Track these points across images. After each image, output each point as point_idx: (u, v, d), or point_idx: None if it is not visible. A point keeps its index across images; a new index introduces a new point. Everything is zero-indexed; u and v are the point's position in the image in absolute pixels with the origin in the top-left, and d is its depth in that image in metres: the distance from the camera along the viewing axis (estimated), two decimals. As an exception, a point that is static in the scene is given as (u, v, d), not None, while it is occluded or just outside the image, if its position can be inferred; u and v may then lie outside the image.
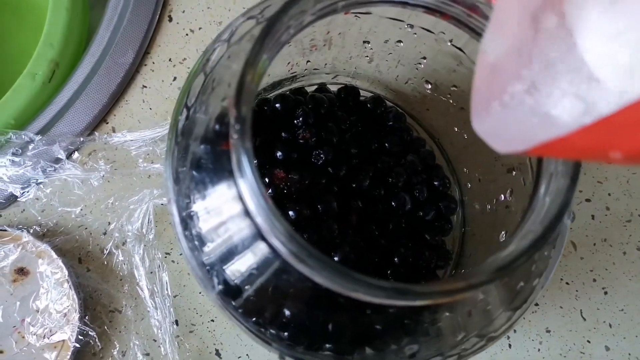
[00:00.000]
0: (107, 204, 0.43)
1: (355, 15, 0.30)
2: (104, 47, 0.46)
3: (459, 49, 0.30)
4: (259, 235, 0.22)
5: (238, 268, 0.24)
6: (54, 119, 0.45)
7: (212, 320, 0.44)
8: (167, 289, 0.43)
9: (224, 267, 0.25)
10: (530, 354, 0.45)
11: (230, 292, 0.25)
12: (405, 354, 0.25)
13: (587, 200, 0.48)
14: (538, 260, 0.27)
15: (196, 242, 0.25)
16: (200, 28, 0.48)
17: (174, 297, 0.44)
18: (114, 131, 0.45)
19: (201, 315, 0.44)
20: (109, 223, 0.44)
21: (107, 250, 0.43)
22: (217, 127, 0.26)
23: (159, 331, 0.42)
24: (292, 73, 0.38)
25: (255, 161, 0.21)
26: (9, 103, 0.46)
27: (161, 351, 0.42)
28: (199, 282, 0.26)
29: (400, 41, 0.33)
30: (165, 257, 0.44)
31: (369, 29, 0.32)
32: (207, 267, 0.25)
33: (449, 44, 0.30)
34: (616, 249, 0.47)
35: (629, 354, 0.45)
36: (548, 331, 0.45)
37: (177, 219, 0.26)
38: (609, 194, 0.49)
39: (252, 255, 0.24)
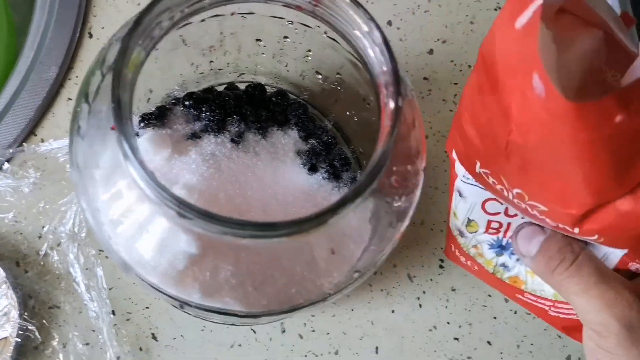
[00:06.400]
0: (38, 208, 0.44)
1: (242, 16, 0.33)
2: (29, 65, 0.47)
3: (333, 39, 0.33)
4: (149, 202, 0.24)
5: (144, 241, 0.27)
6: (-17, 136, 0.46)
7: (147, 307, 0.45)
8: (102, 283, 0.44)
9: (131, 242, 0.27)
10: (438, 311, 0.48)
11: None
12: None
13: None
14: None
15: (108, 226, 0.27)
16: (117, 42, 0.49)
17: (110, 289, 0.45)
18: (42, 142, 0.46)
19: (136, 304, 0.45)
20: (43, 227, 0.44)
21: (42, 252, 0.44)
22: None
23: (97, 321, 0.43)
24: (200, 73, 0.40)
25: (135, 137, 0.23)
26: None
27: (100, 339, 0.43)
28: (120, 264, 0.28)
29: (286, 37, 0.35)
30: (99, 253, 0.45)
31: (258, 28, 0.35)
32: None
33: (325, 35, 0.33)
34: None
35: (527, 304, 0.49)
36: (453, 290, 0.48)
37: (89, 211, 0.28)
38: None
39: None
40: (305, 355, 0.46)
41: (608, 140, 0.24)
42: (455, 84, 0.54)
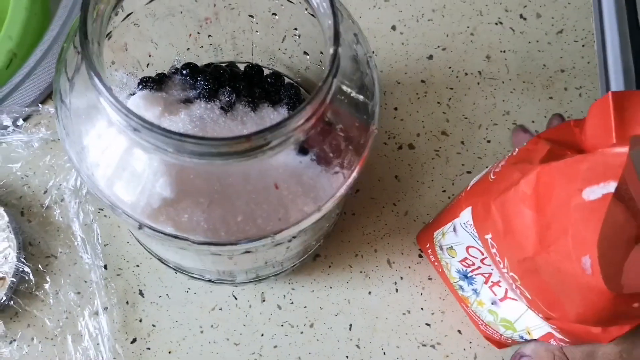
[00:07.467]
0: (45, 162, 0.47)
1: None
2: (54, 36, 0.51)
3: (313, 15, 0.35)
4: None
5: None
6: (6, 95, 0.49)
7: (138, 266, 0.47)
8: (98, 239, 0.47)
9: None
10: (413, 297, 0.49)
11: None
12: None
13: (469, 172, 0.53)
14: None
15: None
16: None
17: (105, 245, 0.47)
18: (58, 106, 0.50)
19: (128, 261, 0.47)
20: (49, 182, 0.47)
21: (46, 205, 0.47)
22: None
23: (89, 273, 0.45)
24: (200, 47, 0.43)
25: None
26: (-31, 86, 0.51)
27: (90, 290, 0.45)
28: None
29: (274, 14, 0.38)
30: (99, 212, 0.48)
31: (248, 2, 0.37)
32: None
33: (306, 12, 0.35)
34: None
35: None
36: (430, 279, 0.49)
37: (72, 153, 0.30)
38: (486, 167, 0.54)
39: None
40: (282, 325, 0.47)
41: (621, 311, 0.29)
42: (451, 88, 0.56)
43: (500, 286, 0.40)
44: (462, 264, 0.42)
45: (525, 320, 0.39)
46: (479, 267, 0.40)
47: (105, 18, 0.27)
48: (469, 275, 0.42)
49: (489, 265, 0.39)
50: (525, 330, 0.39)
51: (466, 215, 0.37)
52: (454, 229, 0.40)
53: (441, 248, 0.44)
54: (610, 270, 0.28)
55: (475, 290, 0.42)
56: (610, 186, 0.27)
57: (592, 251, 0.27)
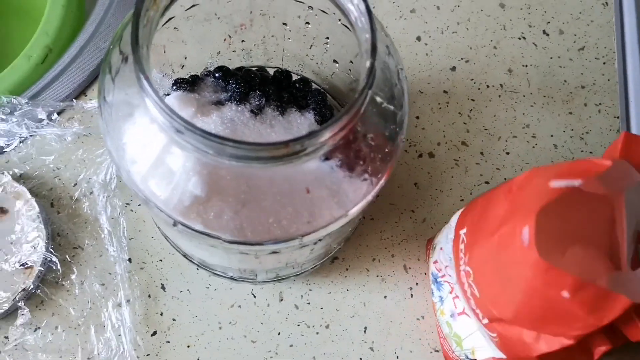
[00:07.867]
0: (77, 156, 0.48)
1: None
2: (90, 34, 0.52)
3: (346, 26, 0.36)
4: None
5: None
6: (41, 90, 0.50)
7: (161, 260, 0.48)
8: (124, 232, 0.48)
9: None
10: (428, 303, 0.49)
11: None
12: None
13: (486, 182, 0.54)
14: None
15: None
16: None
17: (130, 239, 0.48)
18: (91, 101, 0.51)
19: (152, 256, 0.48)
20: (79, 175, 0.48)
21: (75, 197, 0.48)
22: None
23: (114, 266, 0.46)
24: (233, 51, 0.43)
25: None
26: (5, 78, 0.51)
27: (114, 282, 0.46)
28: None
29: (308, 23, 0.39)
30: (125, 206, 0.48)
31: (282, 11, 0.38)
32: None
33: (339, 22, 0.36)
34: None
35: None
36: (445, 286, 0.50)
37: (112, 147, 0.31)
38: (505, 179, 0.54)
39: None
40: (298, 325, 0.48)
41: (553, 297, 0.29)
42: (472, 100, 0.56)
43: (460, 300, 0.40)
44: (434, 266, 0.43)
45: (472, 340, 0.40)
46: (444, 275, 0.42)
47: (154, 23, 0.28)
48: (438, 280, 0.43)
49: (452, 275, 0.40)
50: (471, 350, 0.40)
51: (458, 213, 0.39)
52: (447, 235, 0.42)
53: (434, 248, 0.46)
54: (546, 242, 0.29)
55: (441, 298, 0.43)
56: (575, 182, 0.28)
57: (532, 221, 0.28)
